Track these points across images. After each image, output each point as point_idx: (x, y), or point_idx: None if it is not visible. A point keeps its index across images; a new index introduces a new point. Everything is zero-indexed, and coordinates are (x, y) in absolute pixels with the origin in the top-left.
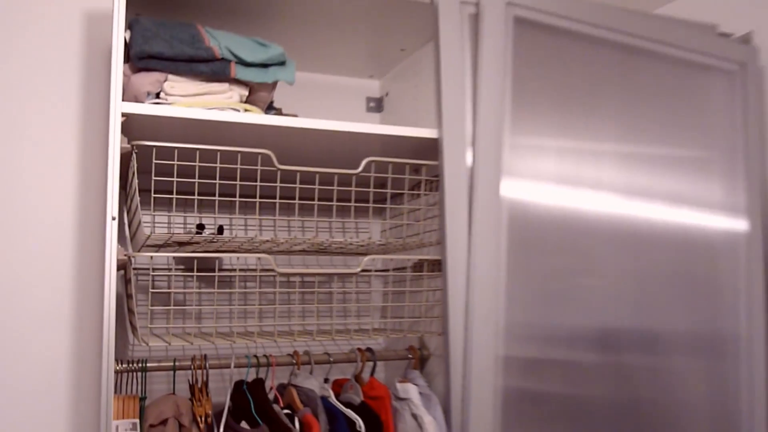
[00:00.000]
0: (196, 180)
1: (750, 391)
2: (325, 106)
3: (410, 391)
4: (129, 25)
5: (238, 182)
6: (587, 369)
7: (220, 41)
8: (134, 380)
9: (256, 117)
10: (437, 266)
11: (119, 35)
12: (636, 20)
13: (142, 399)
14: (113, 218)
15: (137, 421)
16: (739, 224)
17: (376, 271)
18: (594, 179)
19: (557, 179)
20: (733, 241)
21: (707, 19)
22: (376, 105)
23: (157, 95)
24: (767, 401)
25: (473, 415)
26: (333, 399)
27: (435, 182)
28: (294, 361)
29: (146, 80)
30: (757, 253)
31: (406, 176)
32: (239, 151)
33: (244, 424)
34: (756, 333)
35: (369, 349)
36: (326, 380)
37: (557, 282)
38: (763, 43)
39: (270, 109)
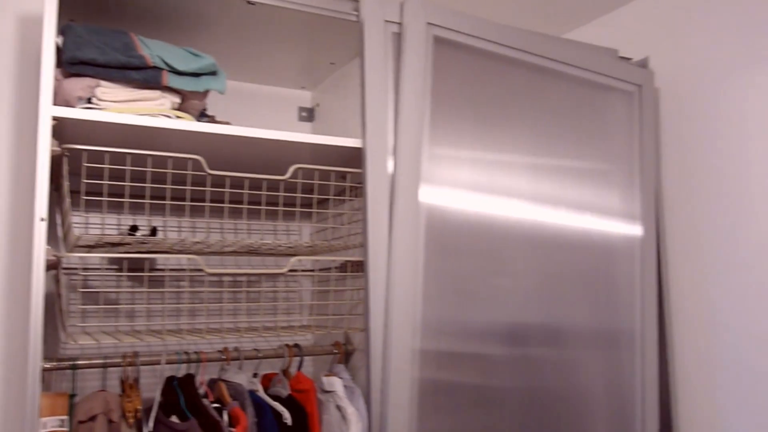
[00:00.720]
0: (127, 183)
1: (643, 379)
2: (259, 114)
3: (335, 384)
4: (62, 31)
5: (168, 186)
6: (497, 361)
7: (152, 50)
8: (66, 378)
9: (187, 123)
10: (360, 267)
11: (50, 40)
12: (546, 43)
13: (72, 396)
14: (42, 219)
15: (66, 417)
16: (635, 230)
17: (303, 271)
18: (505, 188)
19: (471, 187)
20: (630, 244)
21: (609, 44)
22: (308, 115)
23: (89, 100)
24: (658, 388)
25: (391, 405)
26: (261, 393)
27: (359, 188)
28: (224, 357)
29: (78, 85)
30: (650, 256)
31: (332, 182)
32: (170, 156)
33: (174, 419)
34: (649, 328)
35: (297, 345)
36: (255, 375)
37: (470, 281)
38: (657, 67)
39: (203, 116)
